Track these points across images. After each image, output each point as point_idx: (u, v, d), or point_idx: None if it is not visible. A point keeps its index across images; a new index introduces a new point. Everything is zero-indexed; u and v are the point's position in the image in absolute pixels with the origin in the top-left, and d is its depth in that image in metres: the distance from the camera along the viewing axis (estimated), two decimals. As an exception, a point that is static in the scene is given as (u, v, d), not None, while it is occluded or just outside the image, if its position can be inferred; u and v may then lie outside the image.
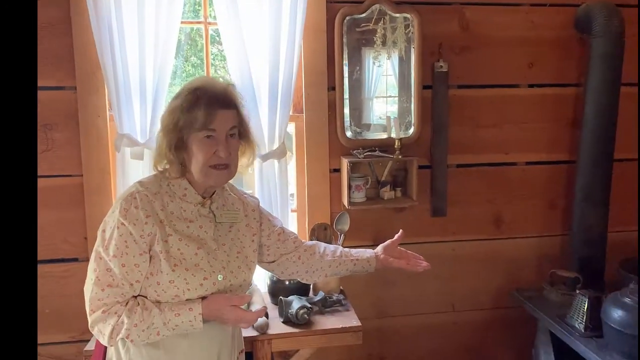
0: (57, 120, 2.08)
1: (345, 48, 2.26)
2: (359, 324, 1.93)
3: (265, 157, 2.21)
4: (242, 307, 1.47)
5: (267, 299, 2.07)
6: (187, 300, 1.38)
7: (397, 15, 2.26)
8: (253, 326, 1.84)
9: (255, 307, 1.93)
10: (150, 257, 1.38)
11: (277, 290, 2.03)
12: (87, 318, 1.38)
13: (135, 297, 1.38)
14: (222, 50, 2.19)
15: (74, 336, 2.19)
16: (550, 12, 2.39)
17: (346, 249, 1.69)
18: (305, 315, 1.87)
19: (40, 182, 2.08)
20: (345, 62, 2.27)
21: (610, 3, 2.27)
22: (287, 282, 2.05)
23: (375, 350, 2.46)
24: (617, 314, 1.83)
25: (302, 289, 2.05)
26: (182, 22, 2.10)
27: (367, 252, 1.68)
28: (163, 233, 1.38)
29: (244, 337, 1.81)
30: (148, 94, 2.06)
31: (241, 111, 1.46)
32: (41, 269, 2.13)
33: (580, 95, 2.41)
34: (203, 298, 1.39)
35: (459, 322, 2.51)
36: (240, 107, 1.46)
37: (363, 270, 1.67)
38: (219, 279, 1.43)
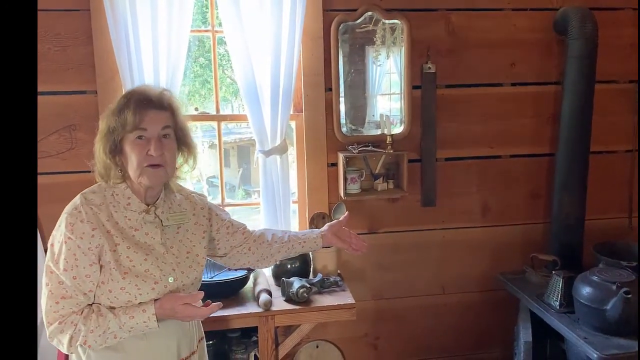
0: (80, 122, 2.29)
1: (340, 52, 2.46)
2: (353, 301, 2.14)
3: (268, 153, 2.41)
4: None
5: (271, 281, 2.27)
6: (140, 303, 1.42)
7: (388, 21, 2.46)
8: (258, 304, 2.05)
9: (259, 287, 2.14)
10: (101, 267, 1.41)
11: (280, 273, 2.24)
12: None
13: (90, 305, 1.42)
14: (227, 51, 2.38)
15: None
16: (531, 16, 2.57)
17: (293, 232, 1.77)
18: (305, 294, 2.08)
19: (66, 178, 2.30)
20: (343, 64, 2.47)
21: (584, 8, 2.46)
22: (288, 265, 2.26)
23: (370, 330, 2.67)
24: (585, 290, 2.03)
25: (302, 272, 2.26)
26: (191, 31, 2.30)
27: (314, 233, 1.74)
28: (111, 243, 1.41)
29: (252, 314, 2.02)
30: (162, 97, 2.26)
31: (176, 114, 1.47)
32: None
33: (559, 92, 2.60)
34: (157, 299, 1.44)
35: (448, 303, 2.72)
36: (175, 110, 1.47)
37: (310, 249, 1.77)
38: (170, 282, 1.46)
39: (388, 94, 2.57)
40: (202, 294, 1.46)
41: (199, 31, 2.64)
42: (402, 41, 2.47)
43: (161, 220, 1.50)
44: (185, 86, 3.48)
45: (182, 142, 1.51)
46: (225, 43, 2.36)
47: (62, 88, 2.25)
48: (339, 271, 2.40)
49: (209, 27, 2.49)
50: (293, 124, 2.55)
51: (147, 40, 2.22)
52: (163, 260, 1.47)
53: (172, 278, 1.47)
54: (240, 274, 2.20)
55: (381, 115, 2.52)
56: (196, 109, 3.11)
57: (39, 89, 2.24)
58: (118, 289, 1.40)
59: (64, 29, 2.24)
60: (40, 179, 2.27)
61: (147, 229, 1.47)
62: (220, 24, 2.36)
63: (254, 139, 2.42)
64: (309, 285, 2.11)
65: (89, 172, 2.29)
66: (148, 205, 1.48)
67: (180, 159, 1.54)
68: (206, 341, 2.10)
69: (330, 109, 2.48)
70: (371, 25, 2.47)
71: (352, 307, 2.10)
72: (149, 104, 1.41)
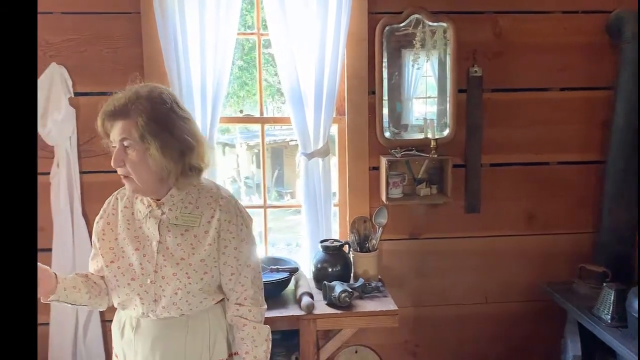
0: (128, 122, 2.33)
1: (385, 55, 2.44)
2: (396, 308, 2.10)
3: (310, 156, 2.41)
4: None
5: (312, 284, 2.26)
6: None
7: (433, 23, 2.42)
8: (300, 307, 2.04)
9: (301, 290, 2.13)
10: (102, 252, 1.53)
11: (321, 276, 2.23)
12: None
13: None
14: (266, 54, 2.39)
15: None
16: (582, 18, 2.50)
17: None
18: (347, 299, 2.06)
19: (111, 177, 2.30)
20: (385, 67, 2.44)
21: (640, 10, 2.37)
22: (329, 269, 2.24)
23: (410, 337, 2.62)
24: (641, 304, 1.94)
25: (343, 276, 2.24)
26: (238, 34, 2.32)
27: None
28: (115, 232, 1.52)
29: (294, 316, 2.01)
30: (208, 98, 2.29)
31: (145, 121, 1.38)
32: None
33: (610, 98, 2.51)
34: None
35: (490, 313, 2.65)
36: (143, 115, 1.38)
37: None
38: (147, 283, 1.47)
39: (424, 98, 2.54)
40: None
41: (245, 34, 2.67)
42: (442, 44, 2.43)
43: (166, 218, 1.48)
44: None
45: (164, 144, 1.40)
46: (264, 47, 2.37)
47: (112, 89, 2.28)
48: (379, 276, 2.37)
49: (254, 30, 2.51)
50: (335, 127, 2.54)
51: (195, 43, 2.25)
52: (149, 259, 1.47)
53: (150, 280, 1.47)
54: (282, 275, 2.19)
55: (425, 120, 2.48)
56: (241, 112, 3.15)
57: (90, 89, 2.30)
58: (106, 275, 1.54)
59: (115, 31, 2.30)
60: (87, 178, 2.34)
61: (150, 224, 1.50)
62: (265, 27, 2.37)
63: (287, 141, 2.42)
64: (350, 290, 2.09)
65: None
66: (158, 200, 1.49)
67: (165, 161, 1.41)
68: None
69: (373, 112, 2.46)
70: (411, 29, 2.44)
71: (395, 314, 2.07)
72: (111, 114, 1.42)
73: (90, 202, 2.34)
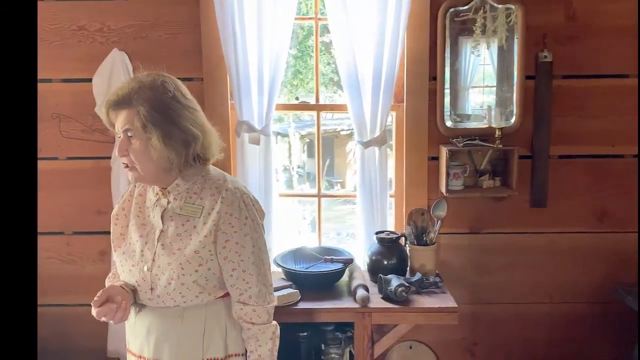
0: (186, 108, 2.33)
1: (447, 39, 2.32)
2: (455, 305, 2.01)
3: (366, 144, 2.34)
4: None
5: (367, 276, 2.20)
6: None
7: (500, 6, 2.28)
8: (355, 299, 1.99)
9: (356, 282, 2.07)
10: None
11: (377, 269, 2.16)
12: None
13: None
14: (321, 42, 2.32)
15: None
16: (668, -2, 2.28)
17: None
18: (404, 293, 1.98)
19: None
20: (448, 52, 2.33)
21: None
22: (385, 262, 2.17)
23: (468, 335, 2.52)
24: None
25: (399, 269, 2.17)
26: (295, 18, 2.27)
27: None
28: (128, 218, 1.52)
29: (348, 309, 1.96)
30: (265, 84, 2.26)
31: (148, 109, 1.36)
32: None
33: (698, 85, 2.29)
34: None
35: (554, 313, 2.50)
36: (145, 104, 1.36)
37: None
38: (145, 270, 1.46)
39: (481, 87, 2.41)
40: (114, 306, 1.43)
41: (302, 19, 2.62)
42: (505, 30, 2.29)
43: (171, 208, 1.47)
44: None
45: (166, 134, 1.37)
46: (320, 33, 2.31)
47: (170, 74, 2.30)
48: (437, 271, 2.28)
49: (311, 16, 2.45)
50: (393, 114, 2.45)
51: (253, 28, 2.21)
52: (149, 247, 1.47)
53: (147, 267, 1.46)
54: (336, 266, 2.15)
55: (488, 107, 2.35)
56: (297, 99, 3.11)
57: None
58: (115, 259, 1.56)
59: (175, 16, 2.30)
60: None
61: (155, 213, 1.49)
62: (322, 12, 2.31)
63: (338, 131, 2.36)
64: (407, 285, 2.01)
65: None
66: (164, 189, 1.48)
67: (167, 151, 1.38)
68: (300, 333, 2.11)
69: (433, 99, 2.36)
70: (471, 14, 2.30)
71: (454, 311, 1.98)
72: (114, 104, 1.41)
73: (148, 187, 2.37)
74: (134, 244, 1.50)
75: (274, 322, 1.54)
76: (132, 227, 1.51)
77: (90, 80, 2.27)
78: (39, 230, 2.44)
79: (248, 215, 1.47)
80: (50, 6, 2.29)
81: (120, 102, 1.39)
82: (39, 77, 2.32)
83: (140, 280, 1.47)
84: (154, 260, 1.46)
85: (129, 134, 1.39)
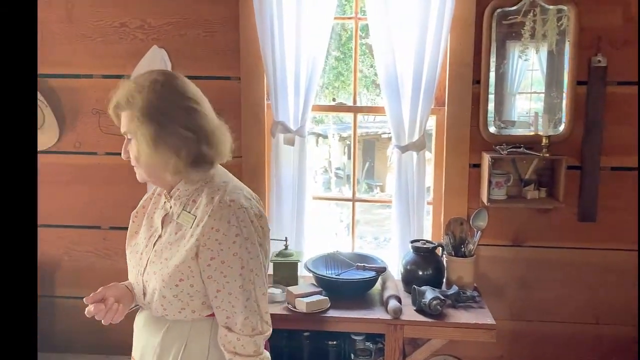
0: (223, 107, 2.27)
1: (493, 41, 2.21)
2: (493, 322, 1.90)
3: (404, 149, 2.26)
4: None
5: (400, 287, 2.11)
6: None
7: (552, 7, 2.16)
8: (387, 310, 1.91)
9: (388, 292, 1.99)
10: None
11: (411, 279, 2.07)
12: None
13: None
14: (363, 45, 2.27)
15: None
16: None
17: None
18: (438, 307, 1.89)
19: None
20: (493, 55, 2.22)
21: None
22: (420, 272, 2.08)
23: (506, 354, 2.39)
24: None
25: (435, 280, 2.07)
26: (334, 18, 2.21)
27: None
28: (143, 218, 1.47)
29: (379, 320, 1.89)
30: (301, 85, 2.22)
31: (135, 110, 1.31)
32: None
33: None
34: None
35: (602, 335, 2.34)
36: (135, 105, 1.31)
37: None
38: (139, 274, 1.41)
39: (528, 93, 2.29)
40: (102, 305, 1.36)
41: (342, 18, 2.56)
42: (555, 33, 2.16)
43: (171, 213, 1.40)
44: (320, 78, 3.48)
45: (156, 138, 1.30)
46: (361, 36, 2.24)
47: (208, 73, 2.30)
48: (475, 285, 2.17)
49: (352, 15, 2.39)
50: (433, 118, 2.36)
51: (291, 27, 2.18)
52: (147, 252, 1.41)
53: (140, 271, 1.41)
54: (369, 274, 2.07)
55: (535, 114, 2.23)
56: (334, 100, 3.05)
57: (188, 72, 2.30)
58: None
59: (214, 15, 2.29)
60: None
61: (157, 216, 1.44)
62: (363, 11, 2.24)
63: (379, 134, 2.28)
64: (443, 298, 1.92)
65: (233, 157, 2.38)
66: (169, 192, 1.41)
67: (158, 156, 1.31)
68: (329, 341, 2.05)
69: (476, 104, 2.25)
70: (519, 17, 2.19)
71: (492, 329, 1.87)
72: (115, 107, 1.37)
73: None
74: (139, 244, 1.45)
75: (264, 355, 1.36)
76: (143, 227, 1.47)
77: (129, 77, 2.28)
78: (76, 223, 2.48)
79: (240, 232, 1.31)
80: (93, 3, 2.32)
81: (119, 105, 1.35)
82: (80, 72, 2.36)
83: (135, 284, 1.43)
84: (146, 265, 1.40)
85: (128, 136, 1.36)
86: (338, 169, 8.05)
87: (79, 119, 2.38)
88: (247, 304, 1.32)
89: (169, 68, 2.29)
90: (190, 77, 2.26)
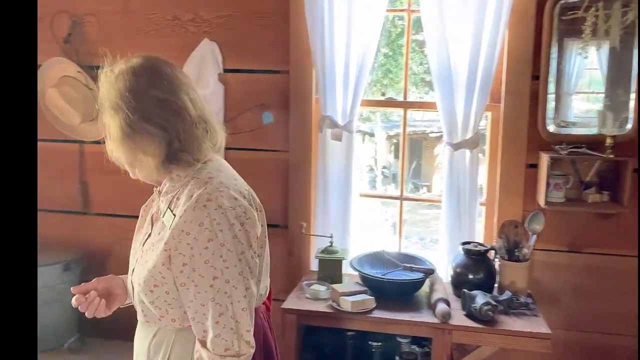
0: (271, 101, 2.31)
1: (554, 35, 2.09)
2: (549, 331, 1.79)
3: (456, 147, 2.17)
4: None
5: (449, 290, 2.04)
6: None
7: (616, 1, 2.01)
8: (435, 313, 1.83)
9: (437, 295, 1.92)
10: None
11: (461, 282, 1.99)
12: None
13: None
14: (413, 41, 2.19)
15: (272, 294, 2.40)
16: None
17: None
18: (490, 312, 1.80)
19: (252, 155, 2.35)
20: (555, 50, 2.10)
21: None
22: (470, 276, 1.99)
23: (560, 365, 2.26)
24: None
25: (486, 285, 1.98)
26: (387, 10, 2.15)
27: None
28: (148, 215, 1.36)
29: (426, 323, 1.82)
30: (350, 79, 2.17)
31: (104, 102, 1.21)
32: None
33: None
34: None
35: (667, 351, 2.18)
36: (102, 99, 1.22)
37: None
38: (130, 273, 1.32)
39: (587, 93, 2.17)
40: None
41: (394, 10, 2.49)
42: (619, 29, 2.01)
43: (159, 211, 1.29)
44: (369, 74, 3.43)
45: (119, 133, 1.20)
46: (415, 31, 2.16)
47: (258, 66, 2.29)
48: (529, 291, 2.06)
49: (405, 7, 2.32)
50: (488, 115, 2.26)
51: (342, 19, 2.13)
52: (138, 250, 1.32)
53: (131, 270, 1.32)
54: (416, 276, 2.00)
55: (599, 112, 2.09)
56: (383, 94, 2.98)
57: (238, 66, 2.31)
58: None
59: (265, 8, 2.27)
60: (231, 154, 2.35)
61: (149, 214, 1.35)
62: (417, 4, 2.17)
63: (427, 133, 2.20)
64: (494, 303, 1.83)
65: (276, 151, 2.38)
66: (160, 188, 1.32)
67: (123, 151, 1.21)
68: (373, 342, 2.00)
69: (534, 100, 2.14)
70: (580, 12, 2.05)
71: (547, 338, 1.77)
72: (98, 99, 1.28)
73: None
74: (137, 241, 1.36)
75: None
76: (144, 223, 1.36)
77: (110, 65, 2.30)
78: (127, 212, 2.52)
79: (214, 237, 1.15)
80: (147, -4, 2.36)
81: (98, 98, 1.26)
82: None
83: (129, 283, 1.34)
84: (135, 265, 1.30)
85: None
86: (384, 167, 7.95)
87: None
88: (221, 320, 1.16)
89: (220, 61, 2.30)
90: (239, 71, 2.31)
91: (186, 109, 1.21)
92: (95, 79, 2.32)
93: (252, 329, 1.20)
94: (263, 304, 1.38)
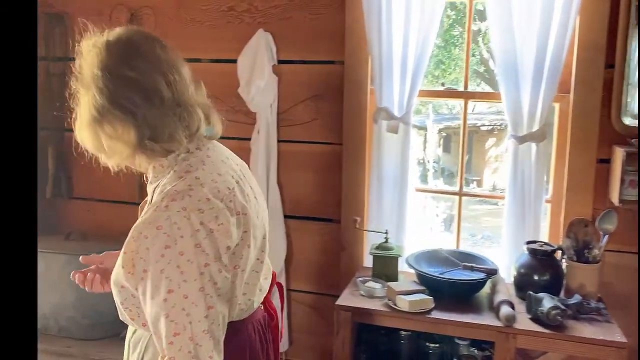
0: (325, 92, 2.25)
1: (632, 20, 1.93)
2: (624, 340, 1.66)
3: (521, 140, 2.05)
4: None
5: (512, 291, 1.93)
6: None
7: None
8: (498, 316, 1.74)
9: (500, 297, 1.82)
10: None
11: (525, 284, 1.88)
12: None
13: None
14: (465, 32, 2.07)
15: (322, 289, 2.36)
16: None
17: None
18: (558, 317, 1.69)
19: (305, 147, 2.30)
20: (635, 37, 1.94)
21: None
22: (535, 277, 1.88)
23: (631, 375, 2.11)
24: None
25: (552, 287, 1.86)
26: (447, -3, 2.06)
27: None
28: None
29: (489, 326, 1.73)
30: (408, 70, 2.08)
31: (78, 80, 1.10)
32: (302, 224, 2.34)
33: None
34: None
35: None
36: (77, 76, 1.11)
37: None
38: None
39: None
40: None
41: (454, -3, 2.38)
42: None
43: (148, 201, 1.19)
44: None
45: (85, 110, 1.09)
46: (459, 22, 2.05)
47: (312, 57, 2.24)
48: (599, 295, 1.92)
49: (467, -7, 2.20)
50: (556, 106, 2.12)
51: (400, 6, 2.05)
52: None
53: None
54: (477, 276, 1.91)
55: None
56: (442, 84, 2.87)
57: (292, 57, 2.26)
58: None
59: (319, -1, 2.22)
60: (283, 146, 2.33)
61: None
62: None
63: (478, 126, 2.09)
64: (563, 307, 1.71)
65: (329, 143, 2.32)
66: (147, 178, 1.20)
67: (90, 135, 1.10)
68: (432, 344, 1.92)
69: (608, 91, 1.98)
70: None
71: (622, 347, 1.64)
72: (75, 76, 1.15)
73: (285, 171, 2.33)
74: None
75: None
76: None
77: (236, 61, 2.28)
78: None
79: (173, 243, 1.00)
80: (204, -14, 2.34)
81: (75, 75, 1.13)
82: (189, 56, 2.39)
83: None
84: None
85: None
86: (433, 162, 7.78)
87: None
88: (176, 341, 1.00)
89: (274, 52, 2.26)
90: (295, 62, 2.26)
91: (158, 91, 1.07)
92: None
93: (220, 354, 1.04)
94: (267, 312, 1.27)
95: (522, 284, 1.89)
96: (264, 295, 1.26)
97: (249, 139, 2.34)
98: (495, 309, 1.78)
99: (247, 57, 2.23)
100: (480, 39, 5.78)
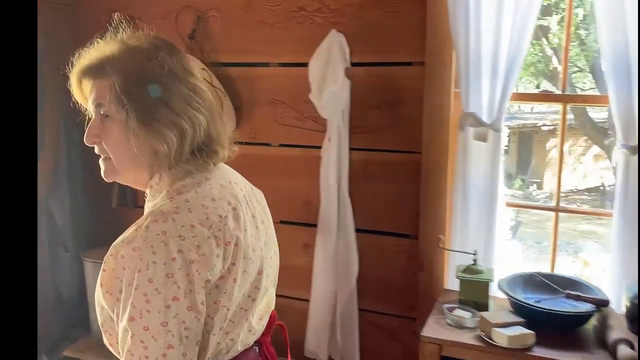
0: (402, 96, 2.06)
1: None
2: None
3: (633, 150, 1.77)
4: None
5: (624, 324, 1.66)
6: None
7: None
8: (616, 357, 1.48)
9: (615, 334, 1.56)
10: None
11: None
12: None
13: None
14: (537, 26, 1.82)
15: (396, 310, 2.18)
16: None
17: None
18: (690, 360, 1.42)
19: (379, 156, 2.12)
20: None
21: None
22: (656, 310, 1.60)
23: None
24: None
25: (677, 323, 1.58)
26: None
27: None
28: None
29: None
30: (500, 71, 1.86)
31: (117, 79, 0.99)
32: (374, 239, 2.17)
33: None
34: None
35: None
36: (126, 75, 1.00)
37: None
38: None
39: None
40: None
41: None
42: None
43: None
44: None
45: (150, 114, 0.99)
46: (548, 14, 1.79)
47: (388, 59, 2.06)
48: None
49: (566, -17, 1.95)
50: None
51: (491, 1, 1.82)
52: None
53: None
54: (584, 307, 1.66)
55: None
56: (537, 87, 2.61)
57: (366, 59, 2.09)
58: None
59: (397, -6, 2.02)
60: (355, 155, 2.16)
61: None
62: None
63: (538, 126, 1.83)
64: (697, 350, 1.44)
65: (407, 152, 2.13)
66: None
67: (151, 137, 1.00)
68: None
69: None
70: None
71: None
72: (86, 69, 1.04)
73: (357, 181, 2.16)
74: None
75: None
76: None
77: (306, 64, 2.13)
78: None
79: (145, 268, 0.92)
80: (271, -14, 2.21)
81: (93, 69, 1.03)
82: (256, 60, 2.28)
83: None
84: None
85: (102, 112, 1.03)
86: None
87: (256, 108, 2.31)
88: None
89: (347, 54, 2.09)
90: (369, 64, 2.09)
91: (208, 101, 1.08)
92: (220, 78, 2.26)
93: None
94: (262, 356, 1.15)
95: (636, 317, 1.62)
96: (256, 338, 1.13)
97: (318, 147, 2.18)
98: (611, 349, 1.52)
99: (320, 60, 2.08)
100: (550, 35, 5.37)
